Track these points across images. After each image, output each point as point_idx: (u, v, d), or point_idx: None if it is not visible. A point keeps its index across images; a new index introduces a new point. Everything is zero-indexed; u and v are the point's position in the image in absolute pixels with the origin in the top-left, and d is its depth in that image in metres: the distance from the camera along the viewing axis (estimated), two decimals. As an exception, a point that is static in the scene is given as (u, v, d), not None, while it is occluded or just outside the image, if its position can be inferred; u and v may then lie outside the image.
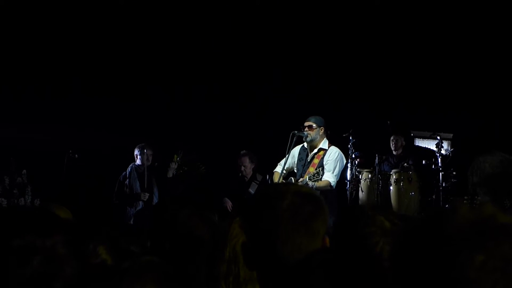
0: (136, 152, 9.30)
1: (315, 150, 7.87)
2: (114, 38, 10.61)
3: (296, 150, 8.04)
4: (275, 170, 8.20)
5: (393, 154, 9.96)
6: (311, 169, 7.70)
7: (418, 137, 10.47)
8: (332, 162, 7.72)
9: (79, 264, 1.78)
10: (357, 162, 9.11)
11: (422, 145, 10.48)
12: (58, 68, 10.61)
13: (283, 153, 7.99)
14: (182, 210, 3.05)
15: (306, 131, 7.86)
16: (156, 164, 9.34)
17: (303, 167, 7.88)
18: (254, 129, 10.73)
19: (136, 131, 10.22)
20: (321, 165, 7.70)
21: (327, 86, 10.84)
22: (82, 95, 10.81)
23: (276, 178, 8.03)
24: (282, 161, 8.02)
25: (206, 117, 11.09)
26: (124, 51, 10.71)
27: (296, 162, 8.06)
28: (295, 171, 8.11)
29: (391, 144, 9.91)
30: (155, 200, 9.19)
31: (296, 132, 7.79)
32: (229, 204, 9.25)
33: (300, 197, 1.94)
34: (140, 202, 9.11)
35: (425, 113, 10.48)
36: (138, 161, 9.29)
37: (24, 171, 9.45)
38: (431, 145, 9.77)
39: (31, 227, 1.70)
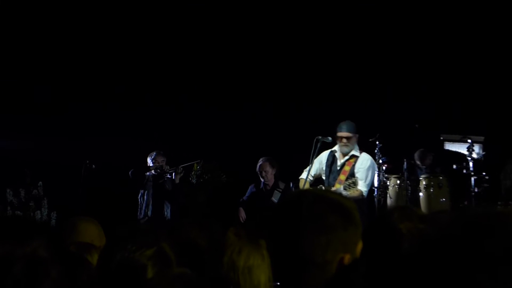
0: (149, 161, 9.32)
1: (347, 157, 7.72)
2: (132, 49, 10.84)
3: (324, 156, 7.89)
4: (300, 177, 8.01)
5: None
6: (342, 177, 7.61)
7: (448, 141, 10.28)
8: (364, 171, 7.60)
9: (65, 266, 1.80)
10: (385, 168, 9.05)
11: (452, 149, 10.31)
12: (74, 77, 10.87)
13: (306, 160, 7.87)
14: (183, 219, 3.06)
15: (344, 143, 7.67)
16: (167, 167, 9.27)
17: (333, 174, 7.75)
18: (275, 136, 10.71)
19: (154, 140, 10.29)
20: (352, 173, 7.60)
21: (351, 88, 10.83)
22: (98, 104, 11.01)
23: (302, 185, 7.81)
24: (308, 168, 7.86)
25: (224, 125, 11.16)
26: (143, 60, 10.90)
27: (324, 169, 7.91)
28: (323, 177, 7.99)
29: (417, 158, 10.01)
30: (166, 210, 9.19)
31: (320, 137, 7.62)
32: (241, 214, 9.19)
33: (322, 203, 1.93)
34: (146, 212, 9.09)
35: (455, 115, 10.47)
36: (152, 171, 9.32)
37: (40, 183, 9.56)
38: (461, 148, 9.62)
39: (8, 235, 1.73)
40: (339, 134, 7.68)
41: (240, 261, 2.41)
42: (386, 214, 2.47)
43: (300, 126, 10.12)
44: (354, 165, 7.63)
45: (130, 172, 9.20)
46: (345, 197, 2.04)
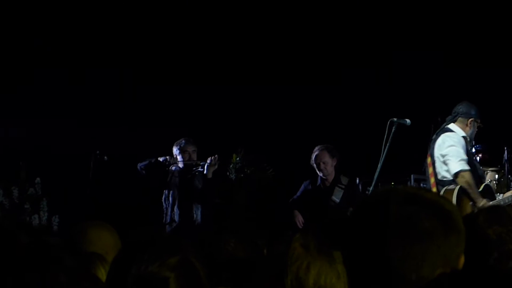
0: (175, 151, 8.71)
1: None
2: (148, 34, 10.87)
3: (462, 143, 7.16)
4: (463, 168, 6.97)
5: None
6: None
7: None
8: None
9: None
10: (479, 158, 8.43)
11: None
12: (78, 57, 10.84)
13: (376, 147, 7.19)
14: (217, 235, 3.08)
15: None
16: (178, 161, 8.68)
17: (476, 167, 7.25)
18: (335, 119, 10.48)
19: (182, 126, 9.95)
20: None
21: (436, 60, 10.45)
22: (112, 81, 10.78)
23: (470, 180, 6.92)
24: (459, 154, 7.06)
25: (272, 105, 10.91)
26: (159, 44, 10.91)
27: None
28: None
29: None
30: (196, 212, 8.68)
31: (395, 120, 7.07)
32: (299, 219, 8.61)
33: (416, 205, 1.77)
34: (172, 216, 8.63)
35: None
36: (180, 164, 8.74)
37: (38, 179, 9.00)
38: None
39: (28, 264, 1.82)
40: (480, 121, 7.41)
41: (309, 280, 2.18)
42: (470, 217, 2.39)
43: (365, 107, 10.04)
44: None
45: (139, 166, 8.72)
46: (444, 198, 1.89)
